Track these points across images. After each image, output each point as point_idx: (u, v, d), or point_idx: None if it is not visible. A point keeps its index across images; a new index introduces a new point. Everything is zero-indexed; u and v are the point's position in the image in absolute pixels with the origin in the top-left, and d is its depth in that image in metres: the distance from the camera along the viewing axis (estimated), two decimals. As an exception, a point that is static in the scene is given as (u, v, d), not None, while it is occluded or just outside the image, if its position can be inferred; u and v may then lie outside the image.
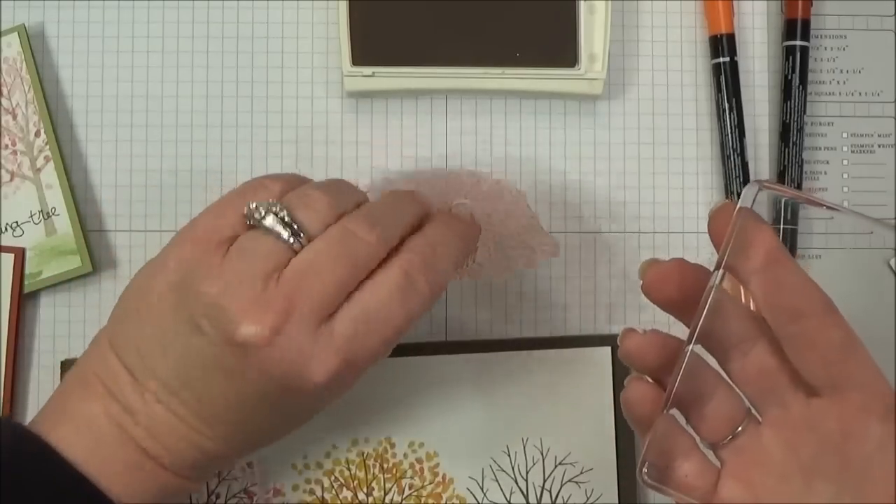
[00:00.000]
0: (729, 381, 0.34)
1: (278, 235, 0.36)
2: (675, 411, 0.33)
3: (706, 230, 0.34)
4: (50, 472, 0.34)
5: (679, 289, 0.34)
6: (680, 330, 0.34)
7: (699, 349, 0.33)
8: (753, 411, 0.34)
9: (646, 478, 0.33)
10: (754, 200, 0.33)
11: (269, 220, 0.36)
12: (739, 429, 0.33)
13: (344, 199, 0.38)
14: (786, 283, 0.32)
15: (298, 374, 0.34)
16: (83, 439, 0.35)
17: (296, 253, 0.36)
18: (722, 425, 0.33)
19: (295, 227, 0.36)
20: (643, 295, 0.34)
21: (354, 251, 0.36)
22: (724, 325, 0.33)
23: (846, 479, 0.31)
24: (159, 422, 0.35)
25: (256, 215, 0.36)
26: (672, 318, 0.35)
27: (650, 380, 0.34)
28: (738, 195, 0.47)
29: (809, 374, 0.32)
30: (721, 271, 0.32)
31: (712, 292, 0.32)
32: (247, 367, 0.34)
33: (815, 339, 0.32)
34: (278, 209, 0.36)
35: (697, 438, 0.34)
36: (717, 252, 0.33)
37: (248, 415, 0.36)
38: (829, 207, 0.36)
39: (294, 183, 0.38)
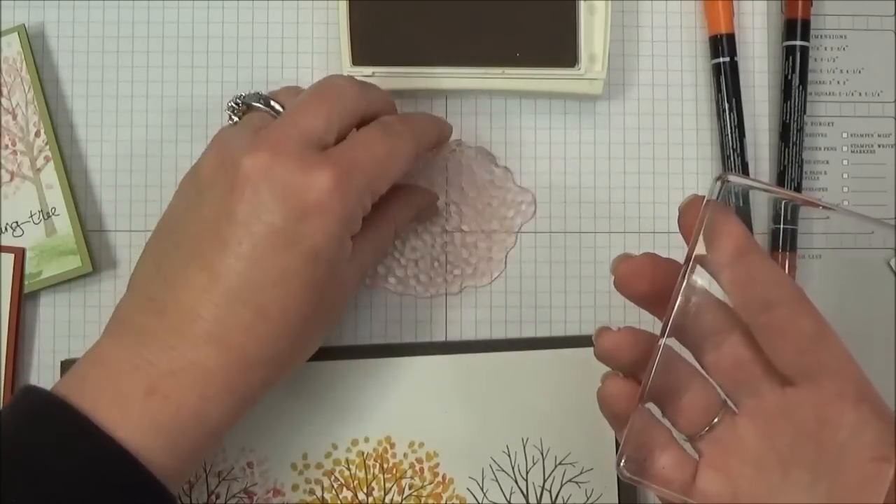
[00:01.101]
0: (704, 373, 0.34)
1: (263, 109, 0.40)
2: (651, 405, 0.33)
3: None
4: (87, 446, 0.34)
5: (651, 283, 0.34)
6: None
7: (673, 343, 0.33)
8: (729, 402, 0.34)
9: (624, 471, 0.33)
10: (719, 193, 0.33)
11: (252, 99, 0.40)
12: (716, 420, 0.34)
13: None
14: (755, 275, 0.33)
15: (302, 185, 0.36)
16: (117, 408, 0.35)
17: None
18: (698, 417, 0.34)
19: (277, 105, 0.40)
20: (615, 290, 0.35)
21: (333, 92, 0.39)
22: (696, 318, 0.33)
23: (822, 466, 0.31)
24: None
25: (238, 101, 0.40)
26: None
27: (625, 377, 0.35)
28: (736, 195, 0.47)
29: (782, 363, 0.32)
30: (690, 264, 0.32)
31: (683, 286, 0.32)
32: (259, 203, 0.36)
33: (786, 329, 0.32)
34: (259, 95, 0.40)
35: (674, 431, 0.34)
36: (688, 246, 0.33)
37: (290, 284, 0.36)
38: (803, 200, 0.36)
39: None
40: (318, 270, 0.37)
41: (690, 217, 0.33)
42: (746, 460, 0.33)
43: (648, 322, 0.36)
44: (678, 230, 0.34)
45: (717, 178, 0.33)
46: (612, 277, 0.35)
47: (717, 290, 0.33)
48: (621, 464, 0.33)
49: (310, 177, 0.36)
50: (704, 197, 0.33)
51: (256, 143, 0.37)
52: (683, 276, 0.33)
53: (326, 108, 0.38)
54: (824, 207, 0.35)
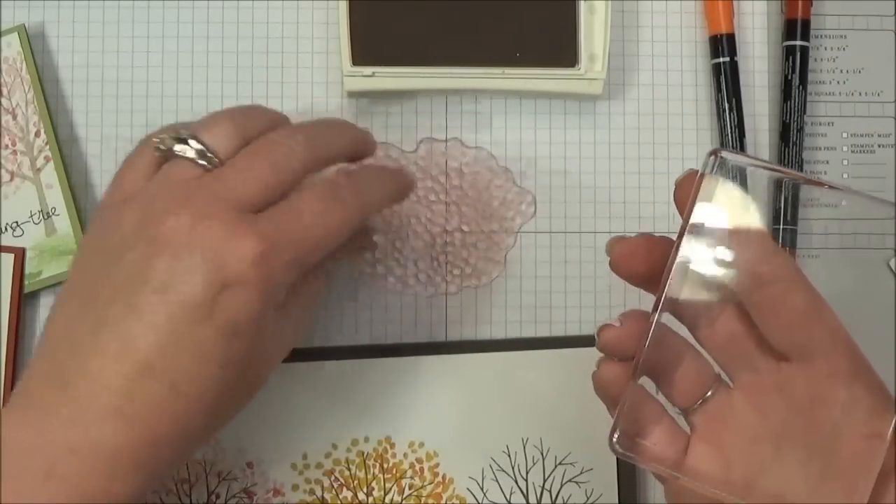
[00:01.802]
0: (699, 347, 0.34)
1: (190, 158, 0.36)
2: (645, 381, 0.33)
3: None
4: None
5: (646, 263, 0.34)
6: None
7: (670, 319, 0.33)
8: (724, 376, 0.34)
9: (616, 446, 0.33)
10: (713, 168, 0.33)
11: (178, 147, 0.36)
12: (709, 393, 0.34)
13: (254, 119, 0.38)
14: (750, 250, 0.33)
15: (223, 256, 0.34)
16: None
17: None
18: (692, 390, 0.34)
19: (204, 149, 0.36)
20: (613, 272, 0.35)
21: (274, 152, 0.36)
22: (690, 293, 0.33)
23: (815, 443, 0.31)
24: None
25: (163, 147, 0.37)
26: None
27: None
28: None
29: (776, 339, 0.32)
30: (684, 238, 0.32)
31: (676, 260, 0.32)
32: (178, 271, 0.33)
33: (779, 305, 0.32)
34: (185, 134, 0.37)
35: (668, 406, 0.34)
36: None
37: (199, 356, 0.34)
38: (804, 179, 0.36)
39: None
40: (237, 345, 0.34)
41: (685, 191, 0.33)
42: (739, 434, 0.33)
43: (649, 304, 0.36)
44: (676, 209, 0.34)
45: (711, 153, 0.33)
46: (608, 258, 0.35)
47: (711, 265, 0.33)
48: (614, 439, 0.33)
49: (233, 247, 0.34)
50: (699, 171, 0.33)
51: (182, 203, 0.34)
52: (676, 251, 0.32)
53: (264, 170, 0.36)
54: (830, 187, 0.34)
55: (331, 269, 0.42)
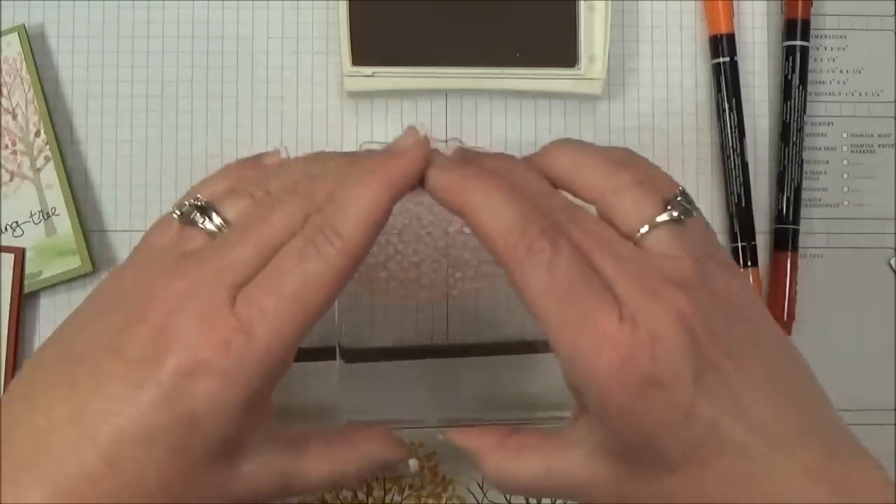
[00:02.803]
0: None
1: (208, 231, 0.35)
2: None
3: None
4: None
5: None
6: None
7: None
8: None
9: None
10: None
11: (199, 217, 0.35)
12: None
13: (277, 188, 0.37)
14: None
15: (198, 339, 0.31)
16: None
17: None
18: None
19: (224, 224, 0.35)
20: None
21: (273, 225, 0.34)
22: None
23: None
24: None
25: (181, 212, 0.36)
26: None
27: None
28: (737, 195, 0.48)
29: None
30: None
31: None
32: (151, 346, 0.32)
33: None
34: (206, 204, 0.36)
35: None
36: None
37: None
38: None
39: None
40: (192, 440, 0.32)
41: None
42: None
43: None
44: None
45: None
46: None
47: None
48: None
49: (209, 331, 0.31)
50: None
51: (175, 273, 0.33)
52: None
53: (259, 255, 0.33)
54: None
55: (336, 475, 0.38)
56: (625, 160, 0.36)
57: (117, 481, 0.31)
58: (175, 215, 0.36)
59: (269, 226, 0.34)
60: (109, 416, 0.31)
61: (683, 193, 0.35)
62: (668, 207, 0.34)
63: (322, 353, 0.45)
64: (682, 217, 0.34)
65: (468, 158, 0.39)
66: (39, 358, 0.35)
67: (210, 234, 0.35)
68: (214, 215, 0.35)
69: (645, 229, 0.33)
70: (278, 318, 0.32)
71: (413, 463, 0.40)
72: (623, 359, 0.31)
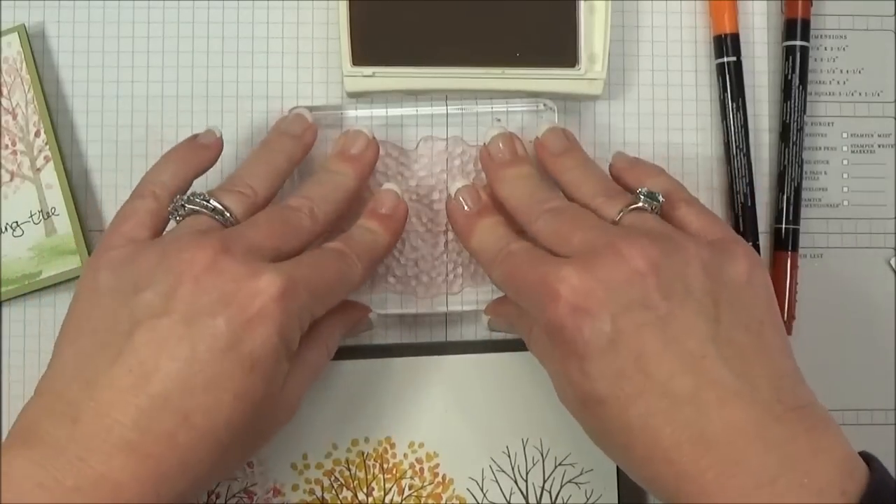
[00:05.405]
0: None
1: (208, 212, 0.39)
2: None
3: None
4: None
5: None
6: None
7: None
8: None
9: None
10: None
11: (196, 206, 0.39)
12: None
13: (265, 186, 0.42)
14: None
15: (248, 289, 0.35)
16: None
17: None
18: None
19: (221, 207, 0.39)
20: None
21: (286, 215, 0.40)
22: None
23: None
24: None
25: (179, 204, 0.39)
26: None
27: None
28: (743, 195, 0.48)
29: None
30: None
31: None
32: (203, 302, 0.35)
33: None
34: (201, 196, 0.39)
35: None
36: None
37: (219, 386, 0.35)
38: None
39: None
40: (253, 380, 0.35)
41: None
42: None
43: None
44: None
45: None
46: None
47: None
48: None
49: (257, 281, 0.35)
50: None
51: (202, 242, 0.36)
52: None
53: (277, 234, 0.38)
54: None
55: (331, 346, 0.42)
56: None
57: (190, 433, 0.34)
58: (171, 211, 0.40)
59: (290, 232, 0.39)
60: (179, 376, 0.34)
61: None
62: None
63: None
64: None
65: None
66: (75, 350, 0.36)
67: (213, 217, 0.39)
68: (212, 201, 0.39)
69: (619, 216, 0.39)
70: (315, 288, 0.37)
71: (373, 315, 0.45)
72: (566, 288, 0.35)
